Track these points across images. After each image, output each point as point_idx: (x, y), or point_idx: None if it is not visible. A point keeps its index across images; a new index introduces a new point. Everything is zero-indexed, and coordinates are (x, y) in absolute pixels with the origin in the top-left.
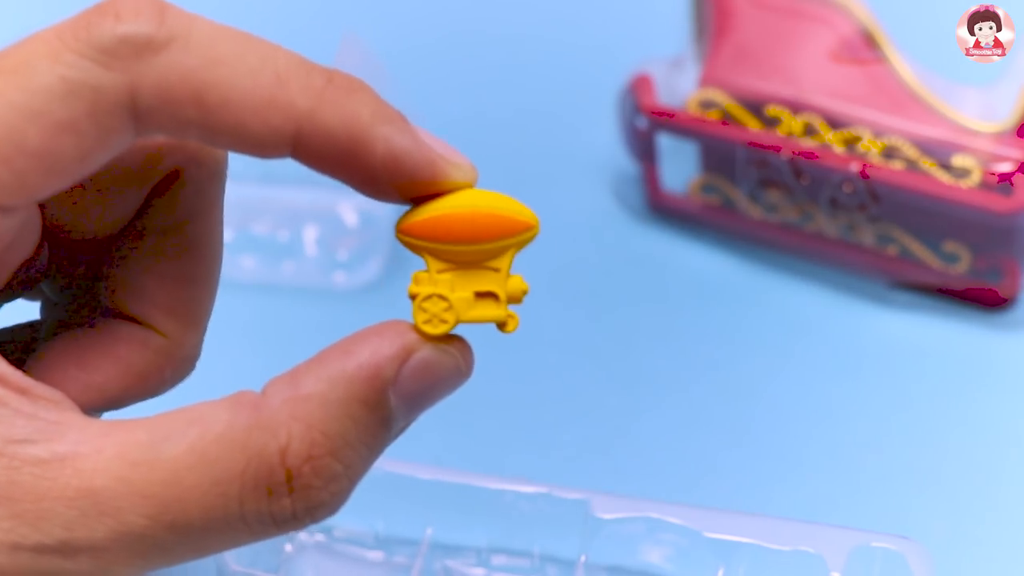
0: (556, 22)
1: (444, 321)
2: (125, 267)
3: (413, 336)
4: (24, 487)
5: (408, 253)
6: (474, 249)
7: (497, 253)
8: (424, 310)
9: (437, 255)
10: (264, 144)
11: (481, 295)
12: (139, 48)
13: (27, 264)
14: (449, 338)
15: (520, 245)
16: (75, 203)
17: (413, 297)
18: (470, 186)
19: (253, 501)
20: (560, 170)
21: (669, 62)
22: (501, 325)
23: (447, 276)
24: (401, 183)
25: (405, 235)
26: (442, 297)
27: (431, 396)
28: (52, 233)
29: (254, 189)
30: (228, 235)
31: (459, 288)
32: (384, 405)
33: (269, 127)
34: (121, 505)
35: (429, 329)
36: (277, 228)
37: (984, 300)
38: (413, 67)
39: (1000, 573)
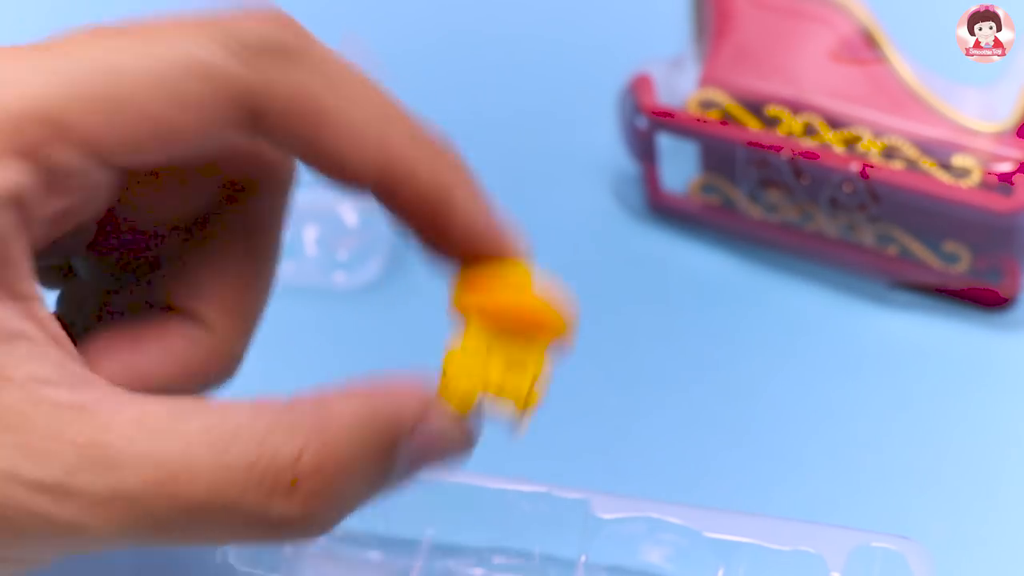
0: (556, 22)
1: (467, 405)
2: (188, 263)
3: (435, 401)
4: (37, 423)
5: (408, 254)
6: (517, 339)
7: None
8: (451, 388)
9: (480, 334)
10: (354, 181)
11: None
12: (276, 54)
13: (78, 230)
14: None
15: (555, 342)
16: (155, 190)
17: (444, 372)
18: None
19: (254, 494)
20: (560, 170)
21: (669, 62)
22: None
23: (480, 357)
24: (464, 249)
25: (461, 310)
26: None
27: (433, 459)
28: (118, 221)
29: None
30: None
31: (492, 366)
32: (392, 455)
33: (365, 169)
34: (128, 464)
35: (454, 404)
36: None
37: (984, 300)
38: (413, 67)
39: (1001, 573)
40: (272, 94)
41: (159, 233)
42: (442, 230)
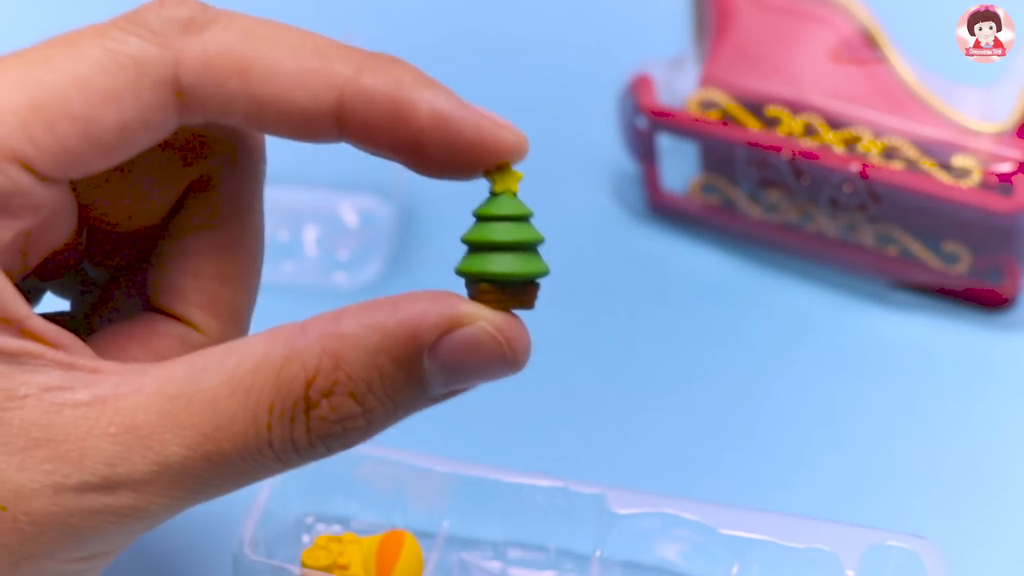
0: (556, 22)
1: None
2: (164, 263)
3: (464, 309)
4: (65, 429)
5: (408, 254)
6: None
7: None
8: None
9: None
10: (309, 117)
11: None
12: (183, 26)
13: (63, 251)
14: (509, 319)
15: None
16: (112, 191)
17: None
18: (519, 153)
19: (279, 427)
20: (560, 170)
21: (669, 62)
22: None
23: None
24: (449, 146)
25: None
26: None
27: (472, 374)
28: (93, 224)
29: None
30: None
31: None
32: (417, 367)
33: (312, 97)
34: (163, 438)
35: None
36: (277, 228)
37: (984, 300)
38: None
39: (1012, 573)
40: (186, 63)
41: (136, 234)
42: (415, 133)
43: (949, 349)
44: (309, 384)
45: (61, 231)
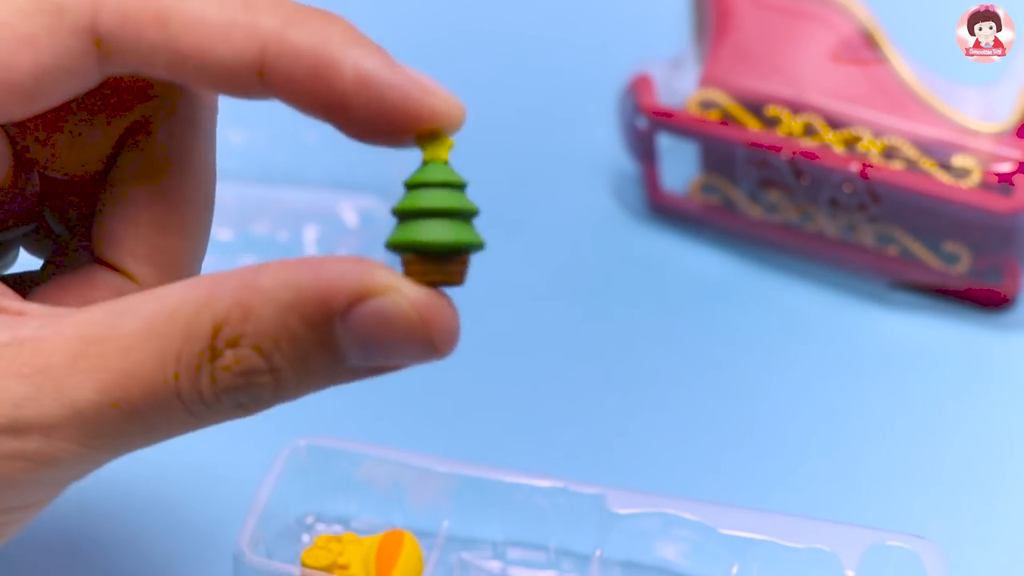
0: (556, 22)
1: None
2: (105, 212)
3: (380, 279)
4: None
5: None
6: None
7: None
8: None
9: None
10: (231, 71)
11: None
12: None
13: (11, 199)
14: (430, 295)
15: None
16: (45, 135)
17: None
18: (450, 121)
19: (186, 377)
20: (560, 170)
21: (669, 62)
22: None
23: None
24: (373, 110)
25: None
26: None
27: (386, 351)
28: (40, 171)
29: (254, 189)
30: (228, 236)
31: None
32: (328, 333)
33: (234, 49)
34: (73, 382)
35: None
36: (277, 228)
37: (984, 300)
38: (413, 67)
39: (1012, 573)
40: (104, 10)
41: (81, 182)
42: (338, 95)
43: (949, 349)
44: (216, 333)
45: None
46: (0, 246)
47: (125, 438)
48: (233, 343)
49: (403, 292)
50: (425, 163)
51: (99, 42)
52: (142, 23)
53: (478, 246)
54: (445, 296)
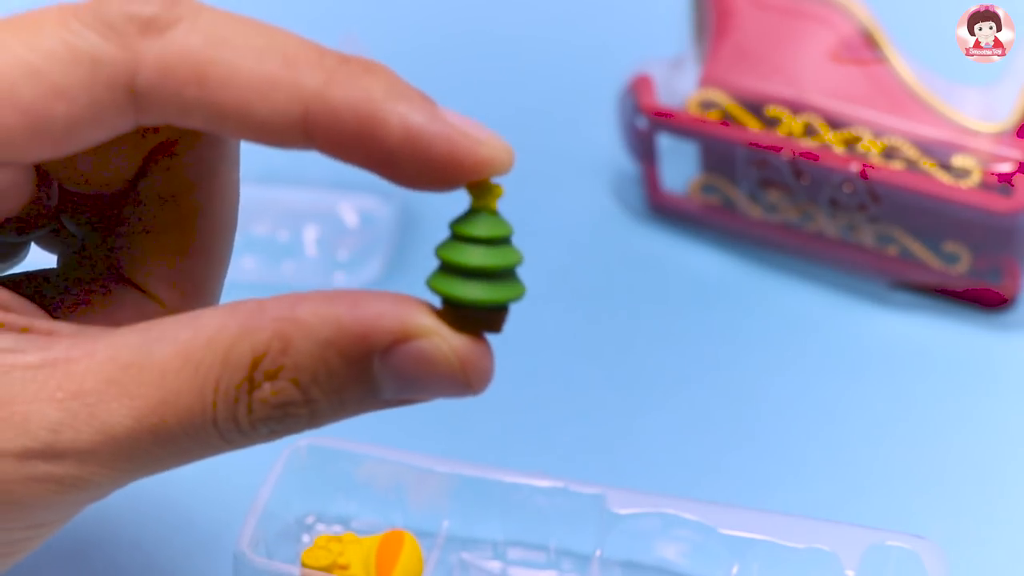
0: (556, 22)
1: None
2: (128, 231)
3: (422, 322)
4: (12, 391)
5: (408, 254)
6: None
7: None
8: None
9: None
10: (272, 129)
11: None
12: (144, 26)
13: (32, 207)
14: (470, 343)
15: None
16: (68, 160)
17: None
18: (498, 168)
19: (223, 406)
20: (560, 170)
21: (669, 62)
22: None
23: None
24: (421, 163)
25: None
26: None
27: (424, 389)
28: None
29: (254, 189)
30: None
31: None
32: (367, 368)
33: (274, 109)
34: (107, 408)
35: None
36: (277, 228)
37: (984, 300)
38: (413, 67)
39: (1012, 573)
40: (143, 67)
41: (100, 195)
42: (386, 151)
43: (949, 349)
44: (255, 365)
45: (15, 197)
46: (13, 246)
47: (157, 461)
48: (272, 376)
49: (444, 337)
50: (472, 210)
51: (136, 96)
52: (181, 81)
53: (518, 299)
54: (484, 342)
